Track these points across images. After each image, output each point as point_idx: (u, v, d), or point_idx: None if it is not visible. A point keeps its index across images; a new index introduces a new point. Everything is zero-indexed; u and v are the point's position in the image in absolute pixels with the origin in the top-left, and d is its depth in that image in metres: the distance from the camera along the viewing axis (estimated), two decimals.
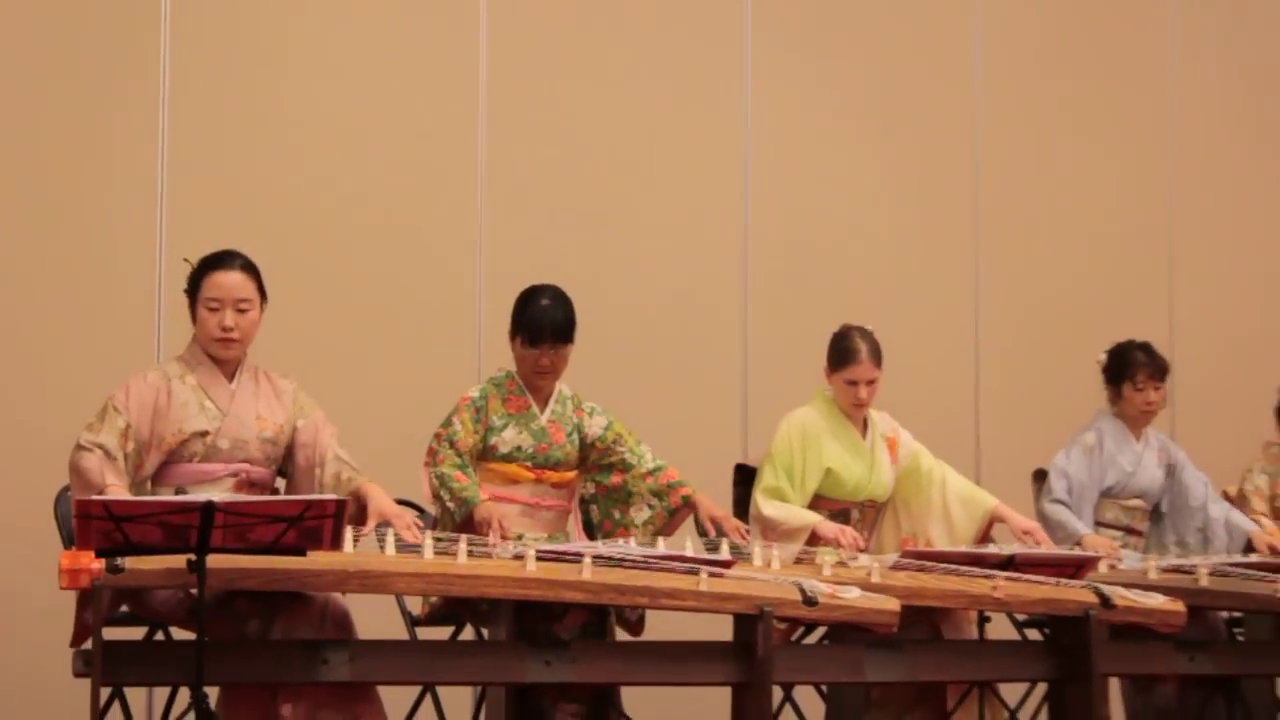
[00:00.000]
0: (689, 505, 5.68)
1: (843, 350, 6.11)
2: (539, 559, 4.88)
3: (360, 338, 7.13)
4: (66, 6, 6.80)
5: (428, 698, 5.86)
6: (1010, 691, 6.45)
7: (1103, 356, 6.91)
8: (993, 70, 8.68)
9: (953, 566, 5.53)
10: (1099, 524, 6.72)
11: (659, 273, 7.80)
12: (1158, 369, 6.82)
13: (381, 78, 7.33)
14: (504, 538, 5.24)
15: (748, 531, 5.73)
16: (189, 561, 4.39)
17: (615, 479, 5.73)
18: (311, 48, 7.23)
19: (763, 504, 5.99)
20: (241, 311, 5.12)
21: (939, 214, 8.54)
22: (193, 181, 6.87)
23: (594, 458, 5.73)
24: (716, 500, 6.44)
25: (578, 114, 7.73)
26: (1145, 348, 6.85)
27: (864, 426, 6.19)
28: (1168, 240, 9.07)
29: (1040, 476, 6.93)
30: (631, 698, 5.46)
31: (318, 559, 4.59)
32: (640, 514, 5.69)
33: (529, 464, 5.63)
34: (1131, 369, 6.80)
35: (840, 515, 6.10)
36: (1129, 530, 6.79)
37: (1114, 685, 6.46)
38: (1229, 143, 9.29)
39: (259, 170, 7.03)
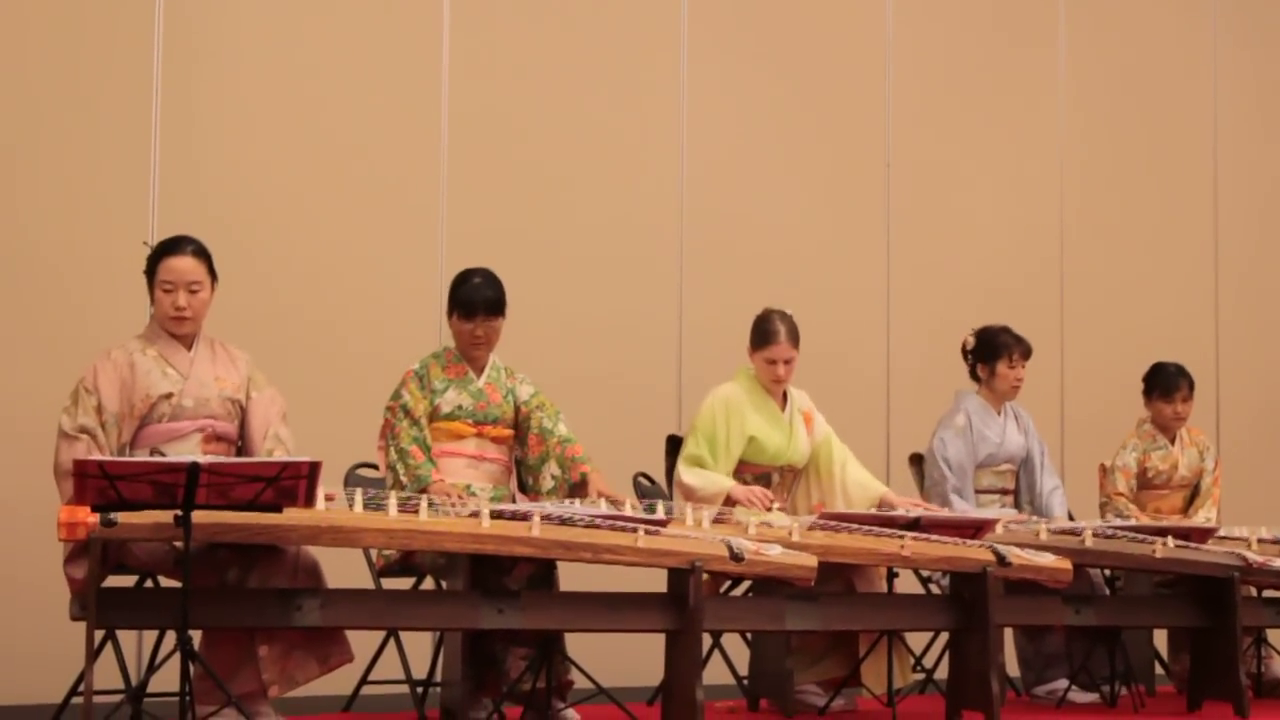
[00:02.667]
0: (584, 482, 5.66)
1: (764, 331, 6.19)
2: (493, 517, 4.92)
3: (330, 312, 7.12)
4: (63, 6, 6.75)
5: (391, 641, 5.93)
6: (915, 640, 6.57)
7: (970, 339, 6.92)
8: (902, 78, 8.76)
9: (865, 527, 5.59)
10: (977, 491, 6.78)
11: (603, 258, 7.82)
12: (1025, 349, 6.87)
13: (353, 75, 7.30)
14: (461, 498, 5.33)
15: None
16: (176, 516, 4.46)
17: (532, 442, 5.75)
18: (289, 46, 7.18)
19: (684, 471, 6.08)
20: (193, 292, 5.18)
21: (855, 209, 8.62)
22: (181, 170, 6.82)
23: (519, 420, 5.79)
24: (652, 467, 6.51)
25: (533, 111, 7.72)
26: (1008, 330, 6.88)
27: (783, 400, 6.27)
28: (1059, 231, 9.17)
29: (917, 460, 6.99)
30: (575, 643, 5.50)
31: (293, 515, 4.61)
32: (545, 483, 5.72)
33: (470, 421, 5.69)
34: (1005, 349, 6.83)
35: (763, 478, 6.19)
36: (1003, 491, 6.87)
37: (1008, 635, 6.58)
38: (1115, 144, 9.41)
39: (242, 158, 7.01)
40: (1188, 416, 7.42)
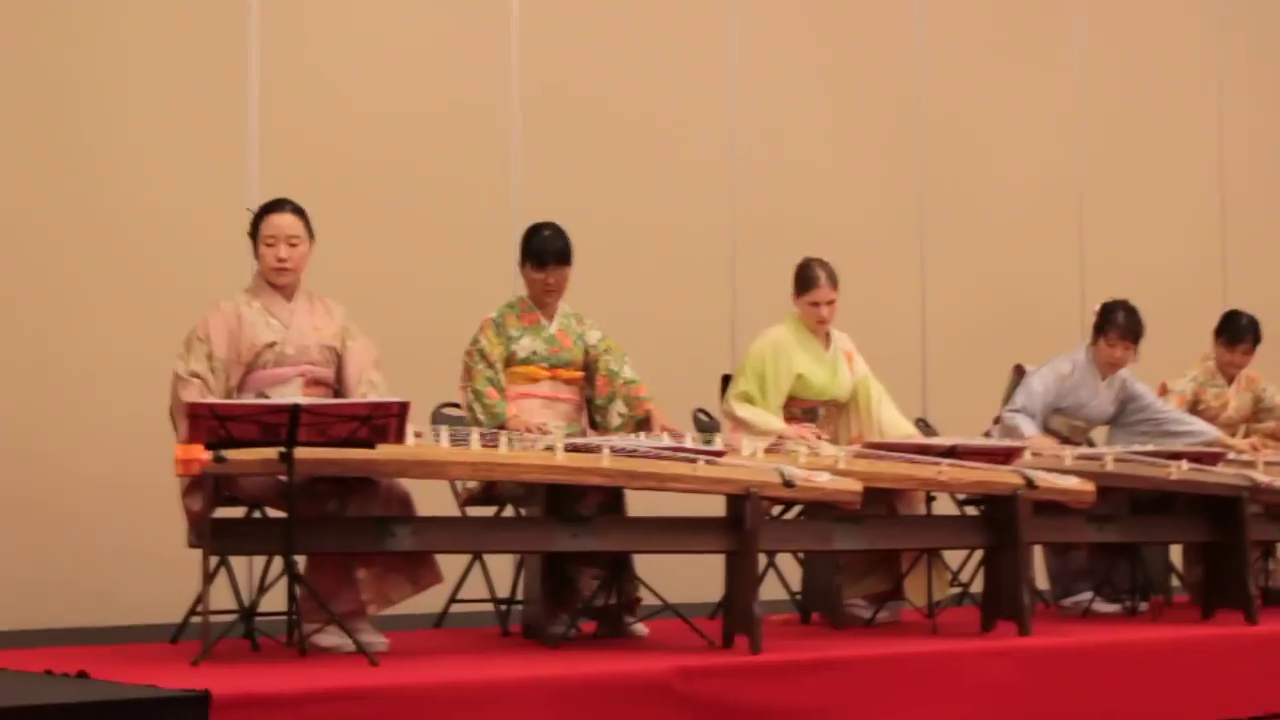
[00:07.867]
0: (648, 419, 5.70)
1: (805, 277, 6.25)
2: (566, 450, 5.01)
3: (416, 268, 7.20)
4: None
5: (476, 564, 6.04)
6: (953, 557, 6.61)
7: (1097, 308, 6.90)
8: (933, 47, 8.78)
9: (905, 455, 5.66)
10: (1044, 430, 6.75)
11: (660, 209, 7.87)
12: (1130, 331, 6.77)
13: (437, 52, 7.42)
14: (543, 431, 5.43)
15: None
16: (280, 453, 4.58)
17: (600, 383, 5.80)
18: (379, 24, 7.32)
19: (737, 407, 6.12)
20: (293, 245, 5.27)
21: (890, 166, 8.64)
22: (278, 139, 6.91)
23: (588, 362, 5.83)
24: (709, 403, 6.55)
25: (598, 78, 7.79)
26: (1128, 310, 6.80)
27: (827, 340, 6.32)
28: (1078, 192, 9.20)
29: (1019, 370, 6.98)
30: (643, 563, 5.56)
31: (385, 451, 4.69)
32: (613, 420, 5.76)
33: (544, 365, 5.75)
34: (1109, 327, 6.79)
35: (810, 412, 6.25)
36: (1067, 440, 6.79)
37: (1037, 551, 6.62)
38: (1133, 119, 9.42)
39: (334, 126, 7.09)
40: (1245, 367, 7.43)
